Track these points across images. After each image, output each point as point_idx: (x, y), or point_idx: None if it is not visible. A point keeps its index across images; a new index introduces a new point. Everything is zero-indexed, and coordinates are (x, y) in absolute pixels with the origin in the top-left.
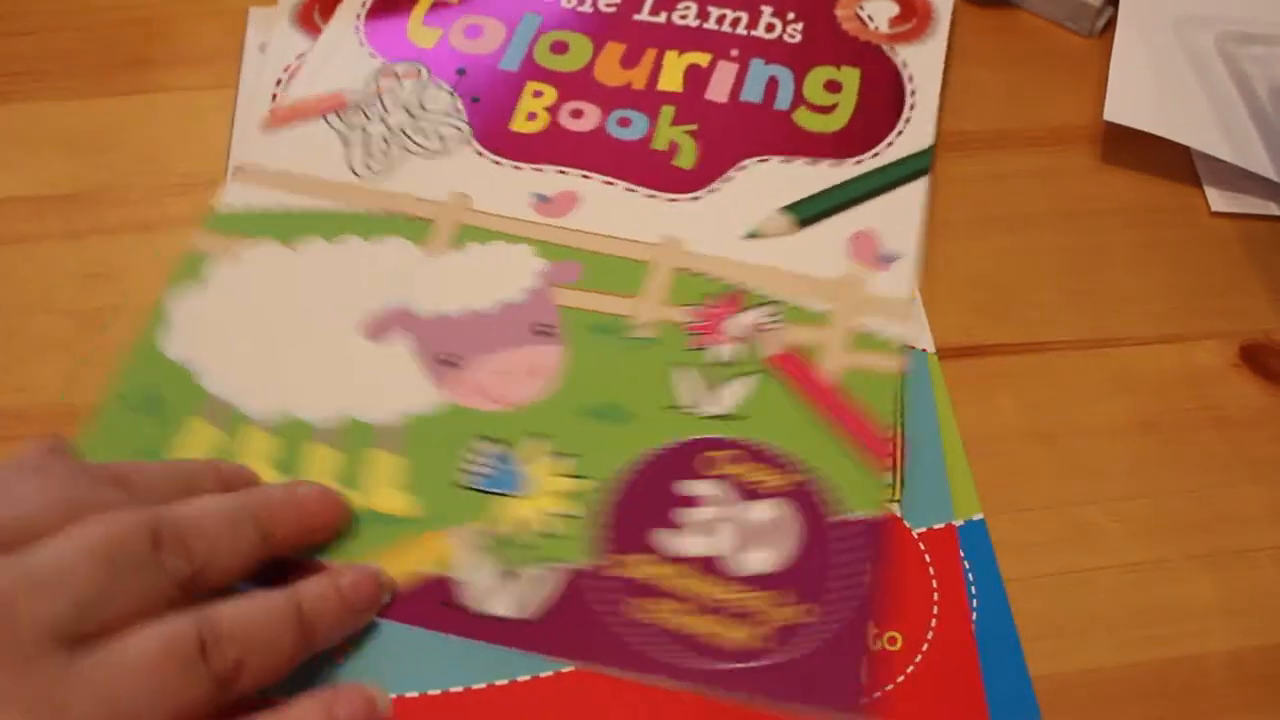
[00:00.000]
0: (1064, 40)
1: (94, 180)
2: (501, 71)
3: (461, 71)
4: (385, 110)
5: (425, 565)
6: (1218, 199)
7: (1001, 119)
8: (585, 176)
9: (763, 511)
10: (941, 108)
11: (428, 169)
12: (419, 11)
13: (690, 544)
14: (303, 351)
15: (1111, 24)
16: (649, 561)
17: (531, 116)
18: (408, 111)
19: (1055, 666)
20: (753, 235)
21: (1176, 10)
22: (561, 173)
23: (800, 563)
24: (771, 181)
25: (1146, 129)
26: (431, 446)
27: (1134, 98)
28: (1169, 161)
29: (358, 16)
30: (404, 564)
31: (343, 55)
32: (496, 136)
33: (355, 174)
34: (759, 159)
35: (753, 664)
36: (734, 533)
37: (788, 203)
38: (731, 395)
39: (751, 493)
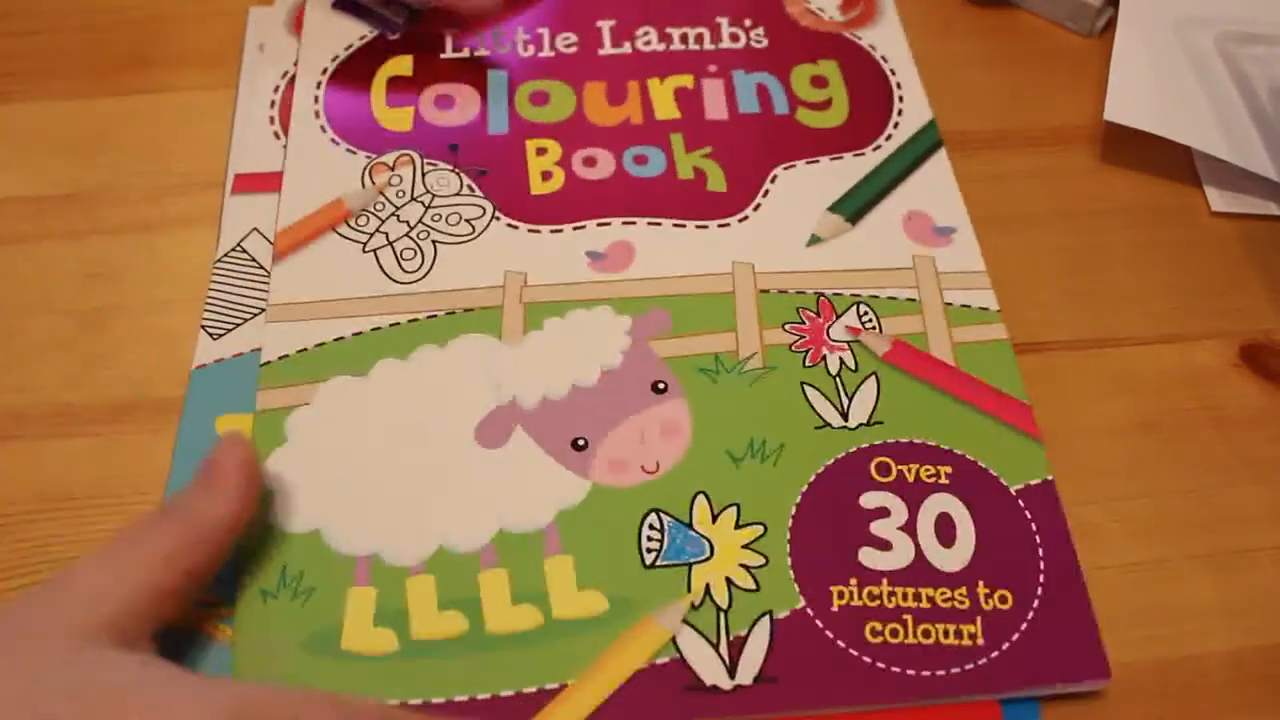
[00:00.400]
0: (1064, 40)
1: (94, 180)
2: (494, 137)
3: (454, 147)
4: (395, 207)
5: (645, 657)
6: (1218, 199)
7: (1001, 119)
8: (628, 223)
9: (941, 505)
10: (929, 90)
11: (467, 256)
12: (378, 94)
13: (888, 556)
14: (425, 480)
15: (1111, 24)
16: (856, 585)
17: (547, 175)
18: (419, 202)
19: None
20: (813, 241)
21: (1176, 10)
22: (603, 225)
23: (989, 548)
24: (807, 185)
25: (1146, 129)
26: (597, 536)
27: (1134, 98)
28: (1169, 161)
29: (316, 115)
30: (624, 664)
31: (321, 160)
32: (521, 205)
33: (394, 280)
34: (784, 166)
35: (986, 659)
36: (924, 534)
37: (831, 202)
38: (865, 401)
39: (926, 490)
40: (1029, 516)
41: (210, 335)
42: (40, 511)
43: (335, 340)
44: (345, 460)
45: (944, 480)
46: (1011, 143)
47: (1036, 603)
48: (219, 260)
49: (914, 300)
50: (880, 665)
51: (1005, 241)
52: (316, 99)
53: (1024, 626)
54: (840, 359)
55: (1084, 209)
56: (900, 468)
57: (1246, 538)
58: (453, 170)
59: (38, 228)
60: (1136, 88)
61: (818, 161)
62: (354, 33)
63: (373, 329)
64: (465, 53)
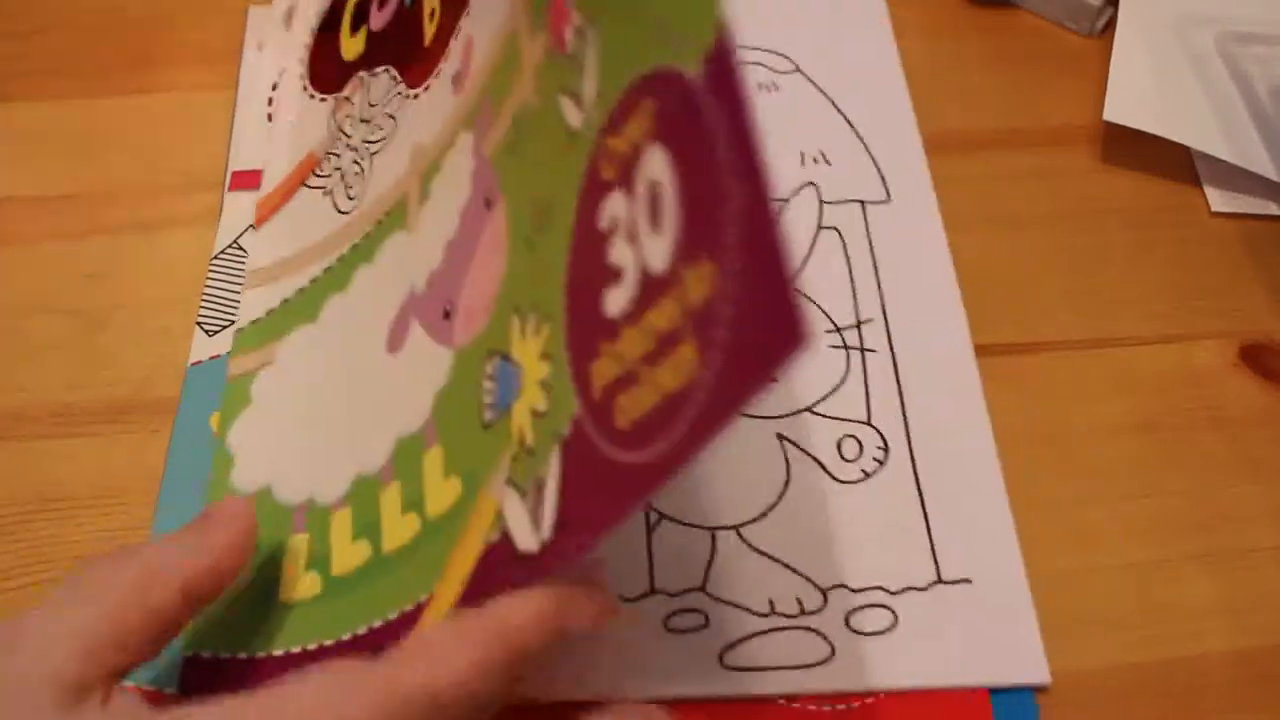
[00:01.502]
0: (1064, 40)
1: (94, 180)
2: (407, 8)
3: (385, 42)
4: (347, 137)
5: (482, 538)
6: (1218, 199)
7: (1001, 119)
8: (466, 17)
9: (651, 172)
10: (929, 89)
11: (389, 155)
12: (345, 26)
13: (620, 293)
14: (360, 409)
15: (1111, 24)
16: (608, 351)
17: (431, 16)
18: (364, 121)
19: (1055, 666)
20: None
21: (1176, 10)
22: (455, 38)
23: (687, 202)
24: None
25: (1146, 129)
26: (457, 412)
27: (1134, 98)
28: (1169, 161)
29: (301, 77)
30: (467, 555)
31: (301, 118)
32: (419, 68)
33: (344, 213)
34: None
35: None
36: (643, 232)
37: None
38: (588, 76)
39: (636, 158)
40: (714, 101)
41: (206, 332)
42: (40, 511)
43: (296, 293)
44: (296, 411)
45: (650, 126)
46: (1011, 143)
47: (737, 267)
48: (215, 257)
49: None
50: (650, 443)
51: (1005, 241)
52: (302, 60)
53: (729, 306)
54: (576, 28)
55: (1084, 209)
56: (617, 141)
57: (1246, 538)
58: (387, 70)
59: (38, 228)
60: (1136, 88)
61: None
62: None
63: (324, 270)
64: None
